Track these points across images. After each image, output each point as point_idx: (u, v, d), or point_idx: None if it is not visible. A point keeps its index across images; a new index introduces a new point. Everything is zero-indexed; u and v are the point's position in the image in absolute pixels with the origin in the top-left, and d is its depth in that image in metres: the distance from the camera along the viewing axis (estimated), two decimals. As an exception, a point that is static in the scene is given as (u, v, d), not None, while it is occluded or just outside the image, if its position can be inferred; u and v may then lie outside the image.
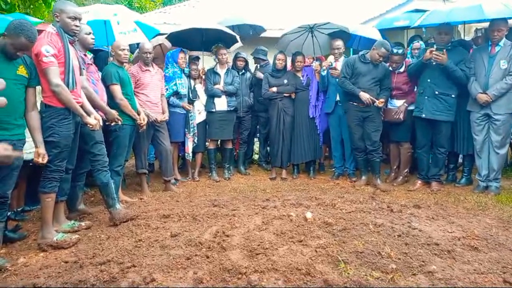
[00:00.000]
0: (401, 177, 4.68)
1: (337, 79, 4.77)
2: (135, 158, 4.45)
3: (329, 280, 1.98)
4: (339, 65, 4.86)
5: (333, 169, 5.22)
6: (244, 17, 6.09)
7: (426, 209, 3.43)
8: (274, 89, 5.03)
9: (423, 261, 2.22)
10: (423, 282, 1.99)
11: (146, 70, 4.28)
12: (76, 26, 2.89)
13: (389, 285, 1.96)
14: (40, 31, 2.80)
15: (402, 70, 4.64)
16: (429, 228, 2.84)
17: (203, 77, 5.24)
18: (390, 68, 4.68)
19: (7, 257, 2.65)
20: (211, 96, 5.09)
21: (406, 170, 4.70)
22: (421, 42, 5.17)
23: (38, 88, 2.87)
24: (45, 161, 2.67)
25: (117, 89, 3.80)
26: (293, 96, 5.08)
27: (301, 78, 5.11)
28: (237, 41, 5.25)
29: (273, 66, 5.15)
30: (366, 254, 2.30)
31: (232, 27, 5.64)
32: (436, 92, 4.16)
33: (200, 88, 5.18)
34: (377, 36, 5.24)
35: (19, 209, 3.59)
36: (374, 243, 2.47)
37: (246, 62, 5.46)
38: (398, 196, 4.10)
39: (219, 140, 5.39)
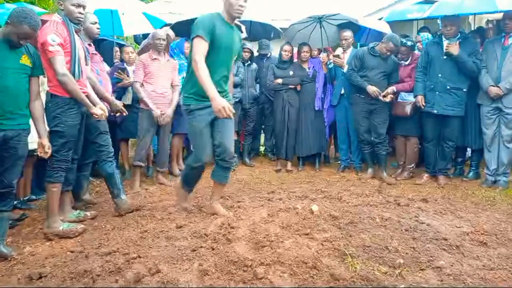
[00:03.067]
0: (406, 172, 4.63)
1: (342, 70, 4.71)
2: (136, 149, 4.35)
3: (335, 274, 1.95)
4: (347, 56, 4.79)
5: (339, 162, 5.18)
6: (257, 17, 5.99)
7: (434, 203, 3.39)
8: (279, 80, 4.98)
9: (431, 256, 2.19)
10: (432, 278, 1.96)
11: (155, 59, 4.17)
12: (81, 13, 2.85)
13: (397, 280, 1.94)
14: (44, 21, 2.78)
15: (407, 62, 4.57)
16: (437, 223, 2.80)
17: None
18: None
19: (13, 245, 2.66)
20: None
21: (412, 165, 4.65)
22: (424, 34, 5.05)
23: (42, 78, 2.86)
24: (49, 151, 2.65)
25: (197, 43, 2.54)
26: (298, 88, 5.02)
27: (307, 70, 5.05)
28: (241, 31, 5.17)
29: (279, 57, 5.09)
30: (373, 248, 2.27)
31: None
32: (448, 87, 4.08)
33: (205, 79, 5.13)
34: (386, 29, 5.15)
35: (25, 198, 3.61)
36: (381, 237, 2.44)
37: (252, 53, 5.40)
38: (404, 190, 4.06)
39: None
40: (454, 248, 2.34)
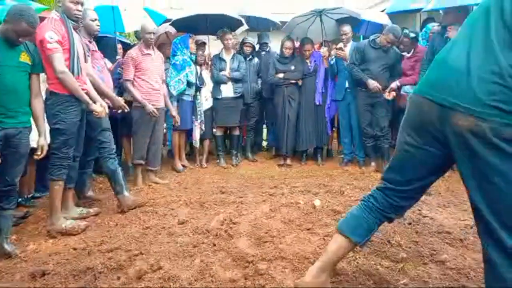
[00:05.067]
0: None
1: (346, 64, 4.68)
2: (133, 147, 4.23)
3: (337, 269, 1.94)
4: (347, 50, 4.76)
5: (342, 156, 5.16)
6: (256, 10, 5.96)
7: (437, 196, 3.36)
8: (281, 75, 4.94)
9: (434, 250, 2.18)
10: (435, 272, 1.95)
11: (147, 54, 4.01)
12: (79, 10, 2.84)
13: (399, 274, 1.92)
14: (42, 19, 2.77)
15: (409, 55, 4.52)
16: (440, 216, 2.78)
17: (210, 63, 5.17)
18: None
19: (17, 243, 2.67)
20: (217, 82, 5.02)
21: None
22: (432, 24, 4.98)
23: (43, 76, 2.85)
24: (44, 153, 2.65)
25: None
26: (299, 83, 4.99)
27: (309, 64, 5.01)
28: (242, 24, 5.16)
29: (281, 52, 5.04)
30: (376, 242, 2.26)
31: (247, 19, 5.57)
32: None
33: (206, 75, 5.12)
34: (386, 21, 5.10)
35: (29, 196, 3.63)
36: (383, 231, 2.42)
37: (253, 47, 5.37)
38: (408, 183, 4.02)
39: (227, 127, 5.35)
40: (458, 241, 2.32)
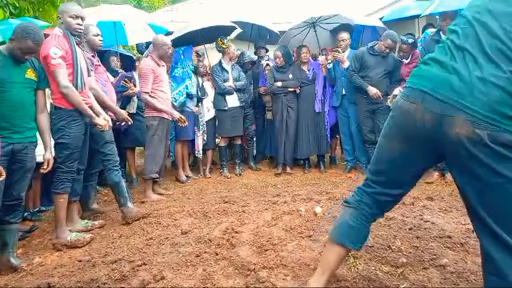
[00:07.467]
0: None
1: (342, 70, 4.74)
2: (147, 160, 4.16)
3: (338, 275, 1.96)
4: (344, 58, 4.82)
5: (345, 163, 5.18)
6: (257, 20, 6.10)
7: (439, 201, 3.36)
8: (279, 83, 5.00)
9: (434, 255, 2.18)
10: (434, 276, 1.96)
11: (162, 65, 4.08)
12: (79, 24, 2.91)
13: (399, 279, 1.93)
14: (46, 35, 2.85)
15: (408, 61, 4.56)
16: (441, 221, 2.79)
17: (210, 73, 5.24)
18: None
19: (23, 257, 2.72)
20: (223, 94, 5.03)
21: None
22: (431, 30, 5.04)
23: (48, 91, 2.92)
24: (50, 167, 2.70)
25: None
26: (297, 91, 5.04)
27: (307, 72, 5.06)
28: (235, 28, 5.26)
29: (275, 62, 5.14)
30: (376, 248, 2.27)
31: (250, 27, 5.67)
32: None
33: (208, 86, 5.18)
34: (381, 25, 5.20)
35: (35, 210, 3.69)
36: (384, 236, 2.44)
37: (253, 63, 5.50)
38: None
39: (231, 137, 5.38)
40: (459, 245, 2.32)
